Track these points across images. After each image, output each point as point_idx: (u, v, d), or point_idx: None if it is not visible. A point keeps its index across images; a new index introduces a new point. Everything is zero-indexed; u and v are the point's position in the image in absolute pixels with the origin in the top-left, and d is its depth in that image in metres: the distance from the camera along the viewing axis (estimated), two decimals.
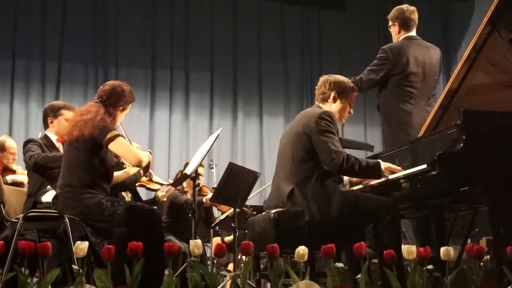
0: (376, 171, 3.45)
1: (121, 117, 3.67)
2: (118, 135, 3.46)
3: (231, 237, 6.03)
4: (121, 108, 3.62)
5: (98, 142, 3.42)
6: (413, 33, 4.65)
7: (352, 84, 3.71)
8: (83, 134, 3.40)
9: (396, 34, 4.69)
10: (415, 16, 4.66)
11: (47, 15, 8.50)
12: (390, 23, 4.74)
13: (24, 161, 4.04)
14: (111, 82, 3.70)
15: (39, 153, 3.97)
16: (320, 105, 3.66)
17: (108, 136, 3.41)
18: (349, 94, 3.65)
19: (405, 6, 4.70)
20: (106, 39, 8.72)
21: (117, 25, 8.75)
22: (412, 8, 4.70)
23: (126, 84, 3.70)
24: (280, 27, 9.41)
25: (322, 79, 3.70)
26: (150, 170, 4.21)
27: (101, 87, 3.67)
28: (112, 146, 3.43)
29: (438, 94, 4.10)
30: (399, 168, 3.47)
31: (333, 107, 3.62)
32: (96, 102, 3.58)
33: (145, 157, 3.58)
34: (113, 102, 3.58)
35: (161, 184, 4.89)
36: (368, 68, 4.53)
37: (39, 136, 4.31)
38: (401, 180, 3.46)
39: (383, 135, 4.69)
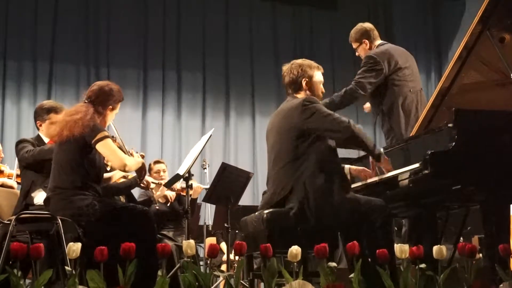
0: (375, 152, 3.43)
1: (111, 116, 3.65)
2: (107, 136, 3.43)
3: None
4: (110, 107, 3.59)
5: (88, 142, 3.40)
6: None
7: (314, 62, 3.60)
8: (73, 134, 3.38)
9: (367, 51, 4.62)
10: (376, 31, 4.67)
11: (38, 16, 8.46)
12: (356, 45, 4.69)
13: (20, 159, 4.01)
14: (99, 82, 3.69)
15: (34, 149, 3.96)
16: (295, 95, 3.56)
17: (98, 136, 3.38)
18: (317, 74, 3.58)
19: (363, 25, 4.71)
20: (98, 39, 8.69)
21: (108, 25, 8.72)
22: (370, 24, 4.71)
23: (114, 84, 3.68)
24: (272, 27, 9.41)
25: (285, 68, 3.58)
26: (147, 178, 4.19)
27: (89, 88, 3.65)
28: (99, 147, 3.39)
29: (430, 94, 4.13)
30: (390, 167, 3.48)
31: (308, 93, 3.55)
32: (85, 102, 3.56)
33: (133, 164, 3.52)
34: (102, 101, 3.55)
35: (155, 183, 4.87)
36: (361, 75, 4.41)
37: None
38: (394, 179, 3.46)
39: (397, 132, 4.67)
